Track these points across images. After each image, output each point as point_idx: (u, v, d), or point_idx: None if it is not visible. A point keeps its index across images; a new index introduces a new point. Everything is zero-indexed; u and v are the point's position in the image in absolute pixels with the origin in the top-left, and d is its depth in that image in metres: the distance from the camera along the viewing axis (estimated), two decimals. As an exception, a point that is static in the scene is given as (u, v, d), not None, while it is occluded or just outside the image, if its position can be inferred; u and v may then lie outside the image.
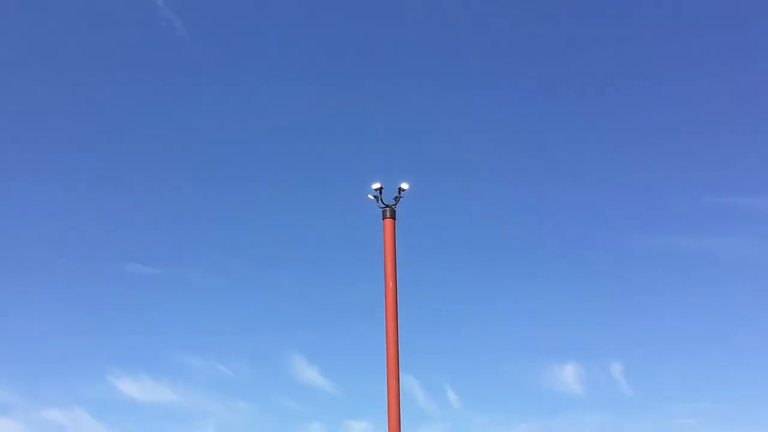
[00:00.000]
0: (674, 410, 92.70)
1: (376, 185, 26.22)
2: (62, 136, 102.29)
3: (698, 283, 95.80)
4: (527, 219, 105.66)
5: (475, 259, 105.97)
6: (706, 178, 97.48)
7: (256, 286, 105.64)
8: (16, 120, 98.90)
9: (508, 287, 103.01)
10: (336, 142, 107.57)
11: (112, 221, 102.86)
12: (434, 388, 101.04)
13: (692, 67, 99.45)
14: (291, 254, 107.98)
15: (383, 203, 26.24)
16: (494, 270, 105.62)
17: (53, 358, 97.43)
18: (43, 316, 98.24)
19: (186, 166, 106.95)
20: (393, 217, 26.16)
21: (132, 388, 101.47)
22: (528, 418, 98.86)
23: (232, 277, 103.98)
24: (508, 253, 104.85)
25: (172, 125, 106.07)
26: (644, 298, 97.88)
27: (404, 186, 26.18)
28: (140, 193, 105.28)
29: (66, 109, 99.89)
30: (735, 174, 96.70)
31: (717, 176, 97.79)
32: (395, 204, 26.20)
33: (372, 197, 26.22)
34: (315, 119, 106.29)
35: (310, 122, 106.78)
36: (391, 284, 25.14)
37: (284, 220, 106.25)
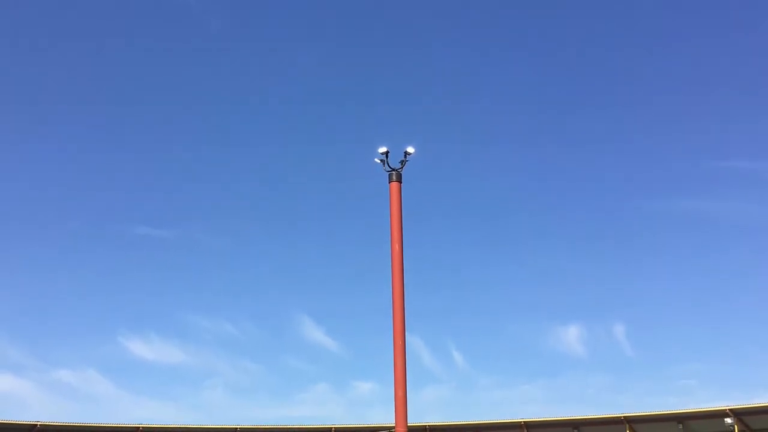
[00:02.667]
0: (676, 371, 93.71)
1: (383, 149, 26.44)
2: (75, 100, 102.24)
3: (699, 246, 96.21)
4: (531, 183, 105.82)
5: (479, 222, 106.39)
6: (706, 143, 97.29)
7: (263, 248, 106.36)
8: (30, 83, 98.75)
9: (512, 250, 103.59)
10: (344, 105, 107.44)
11: (123, 184, 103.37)
12: (440, 349, 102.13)
13: (693, 32, 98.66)
14: (298, 216, 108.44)
15: (389, 167, 26.48)
16: (498, 233, 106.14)
17: (64, 319, 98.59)
18: (54, 277, 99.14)
19: (195, 130, 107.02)
20: (399, 180, 26.40)
21: (142, 348, 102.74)
22: (532, 379, 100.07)
23: (240, 238, 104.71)
24: (512, 216, 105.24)
25: (181, 89, 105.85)
26: (646, 260, 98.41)
27: (410, 150, 26.39)
28: (151, 156, 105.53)
29: (79, 73, 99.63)
30: (734, 138, 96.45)
31: (717, 140, 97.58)
32: (401, 168, 26.44)
33: (378, 161, 26.46)
34: (324, 82, 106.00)
35: (319, 86, 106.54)
36: (397, 247, 25.45)
37: (292, 182, 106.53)
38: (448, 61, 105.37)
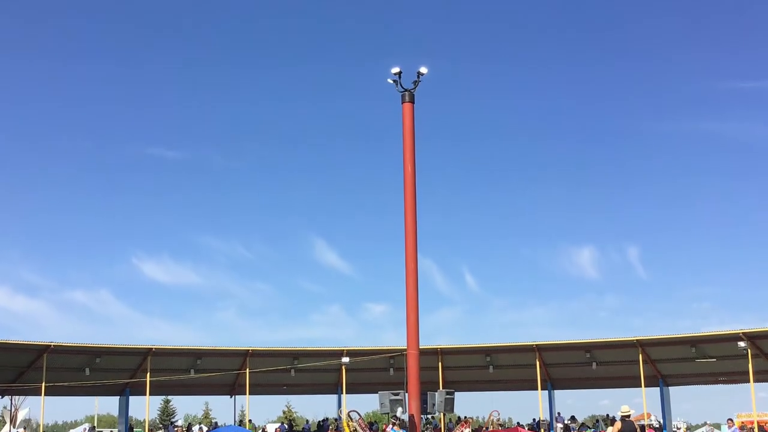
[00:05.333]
0: (689, 294, 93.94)
1: (395, 69, 25.90)
2: (88, 21, 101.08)
3: (716, 168, 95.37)
4: (545, 104, 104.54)
5: (493, 144, 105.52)
6: (722, 63, 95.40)
7: (276, 169, 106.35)
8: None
9: (525, 174, 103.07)
10: (356, 23, 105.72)
11: (135, 105, 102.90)
12: (452, 272, 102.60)
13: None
14: (311, 138, 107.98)
15: (402, 87, 25.99)
16: (512, 156, 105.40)
17: (78, 240, 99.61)
18: (68, 199, 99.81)
19: (206, 51, 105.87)
20: (412, 101, 25.95)
21: (155, 269, 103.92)
22: (545, 301, 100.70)
23: (253, 160, 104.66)
24: (526, 139, 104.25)
25: (195, 11, 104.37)
26: (661, 182, 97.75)
27: (423, 70, 25.83)
28: (163, 76, 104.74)
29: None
30: (751, 58, 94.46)
31: (733, 61, 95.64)
32: (414, 88, 25.94)
33: (391, 81, 25.96)
34: (338, 3, 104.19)
35: (333, 7, 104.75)
36: (409, 168, 25.19)
37: (305, 103, 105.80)
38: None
